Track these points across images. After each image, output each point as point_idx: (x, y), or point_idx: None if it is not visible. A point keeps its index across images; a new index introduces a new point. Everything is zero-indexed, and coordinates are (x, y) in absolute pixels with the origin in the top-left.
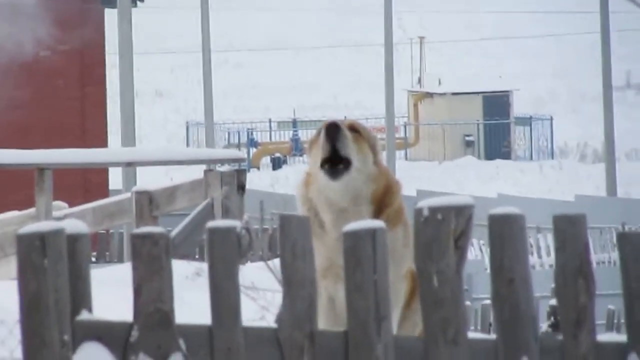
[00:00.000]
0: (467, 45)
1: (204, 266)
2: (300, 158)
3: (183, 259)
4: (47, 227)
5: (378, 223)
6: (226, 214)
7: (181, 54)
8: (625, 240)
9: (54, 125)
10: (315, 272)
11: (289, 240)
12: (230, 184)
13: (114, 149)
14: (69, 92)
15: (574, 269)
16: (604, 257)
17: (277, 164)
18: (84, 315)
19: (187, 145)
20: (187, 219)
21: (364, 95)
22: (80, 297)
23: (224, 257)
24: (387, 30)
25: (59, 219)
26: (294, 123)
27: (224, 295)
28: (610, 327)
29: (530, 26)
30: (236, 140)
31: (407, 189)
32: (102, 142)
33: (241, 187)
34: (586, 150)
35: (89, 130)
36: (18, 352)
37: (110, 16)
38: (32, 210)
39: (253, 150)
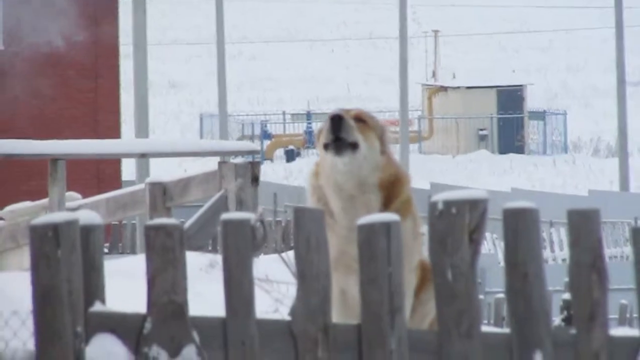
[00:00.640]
0: (481, 39)
1: (218, 258)
2: (314, 150)
3: (197, 250)
4: (60, 218)
5: (392, 216)
6: (240, 206)
7: (195, 45)
8: (639, 235)
9: (67, 116)
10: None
11: (304, 233)
12: (244, 176)
13: (127, 140)
14: (82, 83)
15: (587, 264)
16: (616, 251)
17: (290, 156)
18: (97, 307)
19: (201, 136)
20: (200, 211)
21: (377, 88)
22: (94, 288)
23: (238, 249)
24: (402, 23)
25: (73, 209)
26: (308, 115)
27: (238, 287)
28: (622, 321)
29: (545, 20)
30: (250, 132)
31: (421, 182)
32: (116, 133)
33: (255, 179)
34: (599, 145)
35: (102, 121)
36: (31, 344)
37: (125, 7)
38: (45, 200)
39: (267, 143)
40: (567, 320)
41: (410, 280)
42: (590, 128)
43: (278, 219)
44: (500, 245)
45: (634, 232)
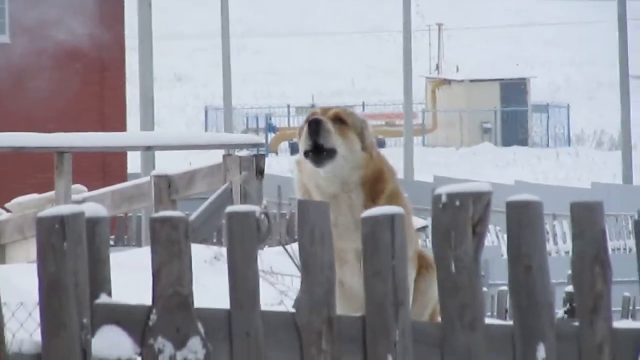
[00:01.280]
0: (485, 33)
1: (223, 251)
2: None
3: (202, 243)
4: (67, 211)
5: (397, 209)
6: (245, 198)
7: (201, 39)
8: None
9: (73, 109)
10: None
11: (308, 226)
12: (249, 168)
13: (133, 133)
14: (88, 76)
15: (591, 256)
16: (620, 244)
17: (295, 149)
18: (103, 299)
19: (206, 130)
20: (206, 204)
21: (382, 81)
22: (100, 280)
23: (243, 241)
24: (406, 17)
25: (79, 202)
26: (313, 109)
27: (243, 279)
28: (626, 314)
29: (548, 14)
30: (255, 126)
31: (425, 175)
32: (121, 126)
33: (260, 172)
34: (603, 138)
35: (108, 114)
36: (37, 335)
37: (131, 1)
38: (51, 193)
39: (272, 136)
40: (571, 313)
41: (410, 272)
42: (594, 121)
43: (283, 211)
44: (504, 238)
45: (637, 225)
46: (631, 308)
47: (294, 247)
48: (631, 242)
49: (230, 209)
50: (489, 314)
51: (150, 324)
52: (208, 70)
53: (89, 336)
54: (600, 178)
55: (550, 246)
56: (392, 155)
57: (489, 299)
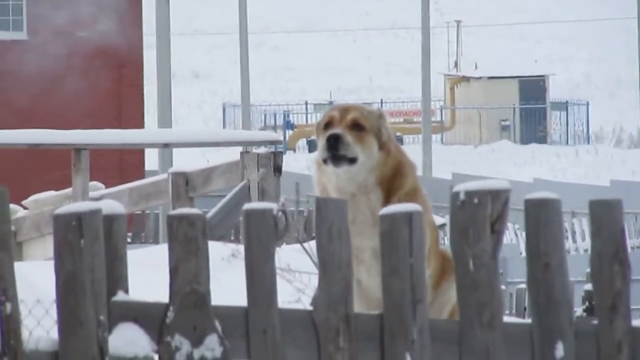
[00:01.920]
0: (504, 30)
1: (240, 248)
2: None
3: (219, 240)
4: (84, 208)
5: (415, 206)
6: (262, 195)
7: (218, 35)
8: None
9: (90, 106)
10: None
11: (326, 223)
12: (267, 166)
13: (151, 130)
14: (106, 73)
15: (610, 254)
16: (638, 242)
17: (313, 146)
18: (120, 296)
19: (224, 127)
20: (223, 201)
21: (400, 78)
22: (117, 277)
23: (260, 238)
24: (424, 13)
25: (96, 199)
26: (331, 105)
27: (260, 277)
28: None
29: (567, 10)
30: (272, 122)
31: (443, 173)
32: (139, 123)
33: (277, 169)
34: (622, 135)
35: (126, 111)
36: (54, 332)
37: None
38: (68, 190)
39: (289, 133)
40: (589, 311)
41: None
42: (613, 118)
43: (300, 208)
44: (522, 236)
45: None
46: None
47: (312, 245)
48: None
49: (247, 206)
50: (507, 311)
51: (167, 321)
52: (225, 67)
53: (106, 333)
54: (619, 175)
55: (568, 244)
56: (410, 152)
57: (507, 296)
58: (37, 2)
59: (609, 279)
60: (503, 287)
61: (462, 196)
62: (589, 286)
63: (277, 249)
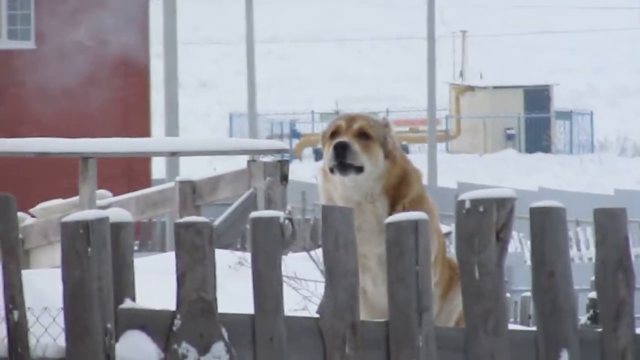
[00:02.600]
0: (509, 40)
1: (247, 256)
2: None
3: (226, 248)
4: (91, 216)
5: (420, 214)
6: (269, 204)
7: (225, 44)
8: None
9: (98, 114)
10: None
11: (332, 231)
12: (273, 174)
13: (158, 139)
14: (113, 82)
15: (614, 263)
16: None
17: (319, 155)
18: (127, 304)
19: (231, 135)
20: (230, 209)
21: (406, 87)
22: (124, 285)
23: (267, 247)
24: (430, 23)
25: (103, 207)
26: (337, 114)
27: (267, 284)
28: None
29: (571, 21)
30: (279, 131)
31: (448, 181)
32: (146, 132)
33: (284, 178)
34: (626, 145)
35: (133, 120)
36: (61, 340)
37: (155, 6)
38: (76, 198)
39: (295, 142)
40: (594, 319)
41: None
42: (617, 128)
43: (307, 217)
44: (527, 244)
45: None
46: None
47: (318, 253)
48: None
49: (254, 214)
50: (512, 319)
51: (174, 328)
52: (232, 76)
53: (113, 341)
54: (623, 184)
55: (573, 252)
56: (416, 161)
57: (512, 304)
58: (45, 12)
59: (613, 287)
60: (508, 295)
61: (467, 204)
62: (593, 294)
63: (284, 257)
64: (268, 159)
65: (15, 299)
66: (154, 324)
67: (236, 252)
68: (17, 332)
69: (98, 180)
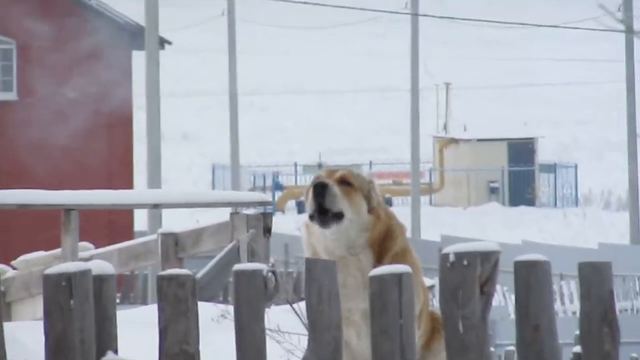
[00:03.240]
0: (493, 92)
1: (230, 308)
2: None
3: (209, 301)
4: (74, 268)
5: (404, 268)
6: (252, 256)
7: (207, 96)
8: None
9: (80, 166)
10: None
11: (315, 284)
12: (256, 226)
13: (140, 191)
14: (96, 133)
15: (599, 316)
16: (627, 305)
17: (302, 207)
18: (109, 356)
19: (213, 187)
20: (212, 261)
21: (389, 139)
22: (106, 338)
23: (250, 299)
24: (414, 75)
25: (86, 259)
26: (320, 167)
27: (250, 337)
28: None
29: (555, 74)
30: (262, 183)
31: (432, 234)
32: (128, 183)
33: (267, 230)
34: (610, 198)
35: (116, 171)
36: None
37: (138, 58)
38: (58, 250)
39: (278, 194)
40: None
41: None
42: (602, 181)
43: (290, 269)
44: (511, 298)
45: None
46: None
47: (301, 306)
48: (639, 303)
49: (237, 267)
50: None
51: None
52: (215, 128)
53: None
54: (607, 238)
55: (557, 306)
56: (399, 214)
57: (495, 359)
58: (27, 63)
59: (598, 341)
60: (492, 349)
61: (451, 257)
62: (577, 348)
63: (267, 309)
64: (251, 211)
65: None
66: None
67: (219, 305)
68: None
69: (80, 232)
